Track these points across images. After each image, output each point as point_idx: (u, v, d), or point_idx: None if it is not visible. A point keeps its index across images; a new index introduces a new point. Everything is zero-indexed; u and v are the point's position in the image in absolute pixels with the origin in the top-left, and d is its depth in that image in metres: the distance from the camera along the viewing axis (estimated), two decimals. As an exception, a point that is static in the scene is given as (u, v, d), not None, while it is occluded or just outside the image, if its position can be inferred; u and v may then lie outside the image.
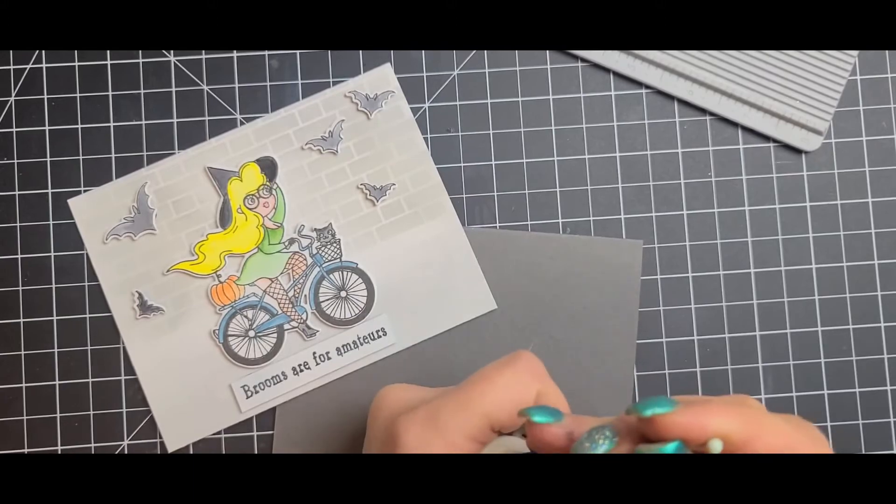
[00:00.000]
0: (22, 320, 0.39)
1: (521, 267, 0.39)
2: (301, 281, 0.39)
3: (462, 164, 0.40)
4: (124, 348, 0.38)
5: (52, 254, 0.39)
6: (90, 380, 0.38)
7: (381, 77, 0.40)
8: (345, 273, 0.39)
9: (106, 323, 0.38)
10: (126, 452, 0.38)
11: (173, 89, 0.40)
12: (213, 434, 0.38)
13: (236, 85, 0.40)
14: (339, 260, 0.39)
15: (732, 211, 0.40)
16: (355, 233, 0.39)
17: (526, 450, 0.29)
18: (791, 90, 0.40)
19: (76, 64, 0.39)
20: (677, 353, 0.39)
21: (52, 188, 0.39)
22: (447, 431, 0.27)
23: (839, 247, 0.40)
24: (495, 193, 0.40)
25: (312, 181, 0.39)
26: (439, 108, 0.40)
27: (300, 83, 0.40)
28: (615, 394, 0.39)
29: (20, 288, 0.39)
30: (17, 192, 0.39)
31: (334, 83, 0.40)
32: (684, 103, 0.40)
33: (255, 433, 0.38)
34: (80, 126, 0.39)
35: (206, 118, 0.39)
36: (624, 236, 0.40)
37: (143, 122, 0.39)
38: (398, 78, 0.40)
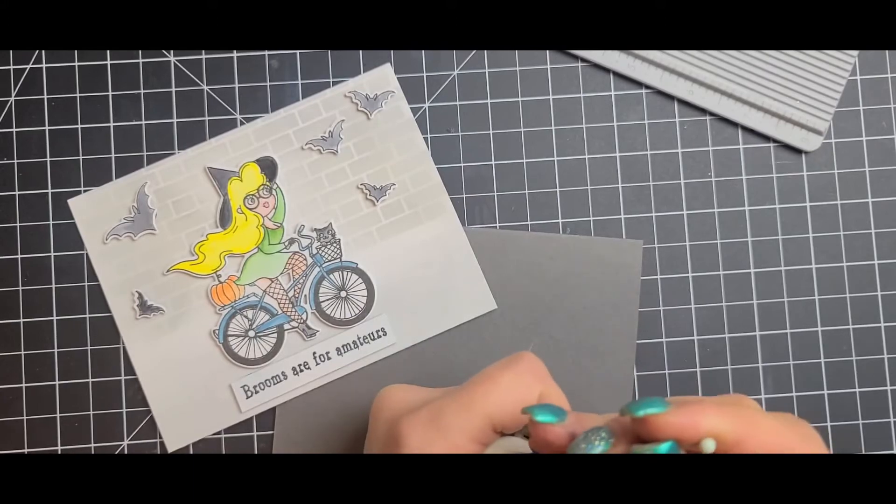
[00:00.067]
0: (22, 320, 0.38)
1: (521, 267, 0.39)
2: (301, 281, 0.39)
3: (462, 164, 0.40)
4: (124, 348, 0.38)
5: (52, 254, 0.39)
6: (90, 380, 0.38)
7: (381, 77, 0.40)
8: (345, 273, 0.39)
9: (106, 323, 0.38)
10: (126, 452, 0.38)
11: (173, 89, 0.40)
12: (213, 434, 0.38)
13: (236, 85, 0.40)
14: (339, 260, 0.39)
15: (732, 211, 0.40)
16: (355, 233, 0.39)
17: (528, 450, 0.29)
18: (791, 90, 0.40)
19: (76, 64, 0.39)
20: (677, 353, 0.39)
21: (52, 188, 0.39)
22: (449, 432, 0.27)
23: (839, 247, 0.40)
24: (495, 193, 0.40)
25: (312, 181, 0.39)
26: (439, 108, 0.40)
27: (300, 83, 0.40)
28: (615, 394, 0.39)
29: (20, 288, 0.39)
30: (17, 192, 0.39)
31: (334, 83, 0.40)
32: (684, 103, 0.40)
33: (255, 433, 0.38)
34: (80, 126, 0.39)
35: (206, 118, 0.39)
36: (624, 236, 0.40)
37: (143, 122, 0.39)
38: (398, 78, 0.40)
